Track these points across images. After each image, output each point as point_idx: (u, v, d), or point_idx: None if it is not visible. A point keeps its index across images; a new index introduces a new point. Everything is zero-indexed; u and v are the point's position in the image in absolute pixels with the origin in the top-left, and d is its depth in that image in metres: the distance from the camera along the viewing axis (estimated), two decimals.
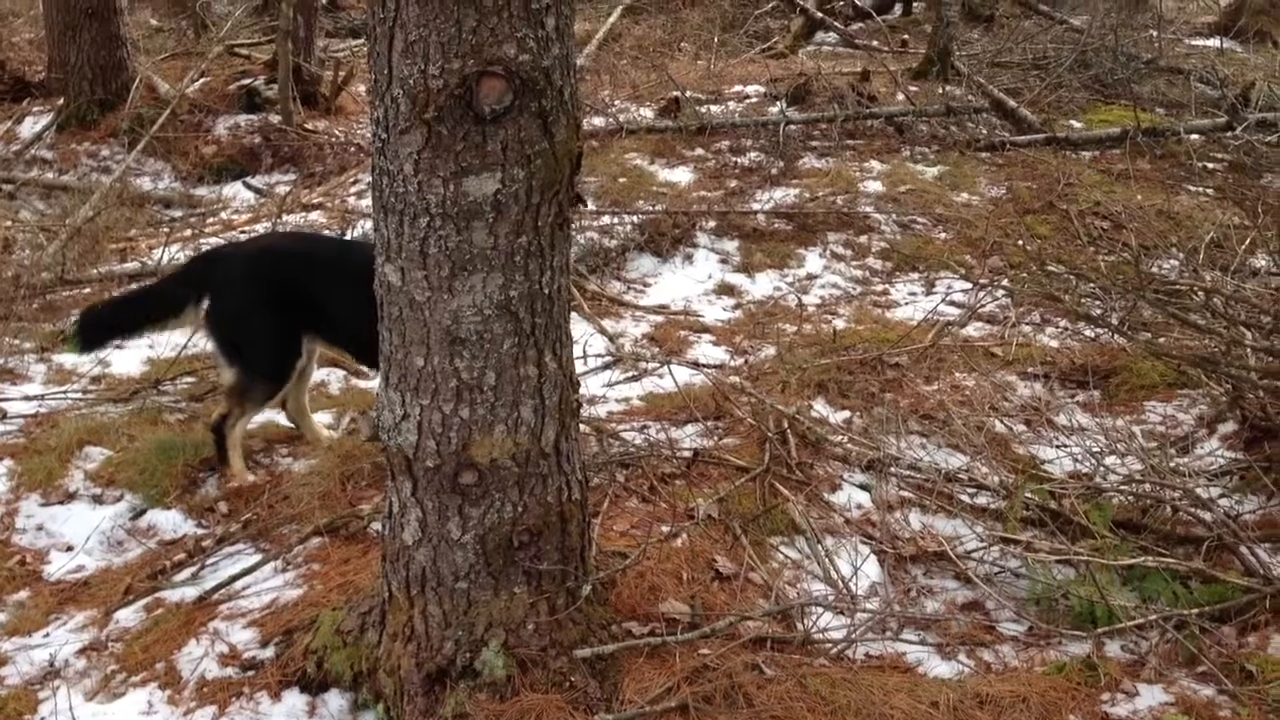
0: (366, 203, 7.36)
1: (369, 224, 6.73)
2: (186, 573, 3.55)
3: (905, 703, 2.86)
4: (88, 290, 5.86)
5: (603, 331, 5.45)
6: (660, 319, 5.77)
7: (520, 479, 2.81)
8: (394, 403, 2.79)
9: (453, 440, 2.74)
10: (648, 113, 8.91)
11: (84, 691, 3.05)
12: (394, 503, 2.89)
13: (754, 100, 9.26)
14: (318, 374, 5.10)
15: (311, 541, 3.62)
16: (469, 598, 2.86)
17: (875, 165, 7.82)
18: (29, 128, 8.61)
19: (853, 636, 3.17)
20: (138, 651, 3.18)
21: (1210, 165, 7.84)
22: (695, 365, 5.05)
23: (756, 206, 7.00)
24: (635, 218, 6.72)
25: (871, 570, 3.54)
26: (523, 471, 2.80)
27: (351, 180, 7.81)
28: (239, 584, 3.44)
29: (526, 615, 2.89)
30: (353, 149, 8.37)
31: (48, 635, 3.29)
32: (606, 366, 5.10)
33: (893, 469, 4.04)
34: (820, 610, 3.30)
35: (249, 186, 7.92)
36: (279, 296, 4.07)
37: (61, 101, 8.74)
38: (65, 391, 4.73)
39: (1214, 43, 11.79)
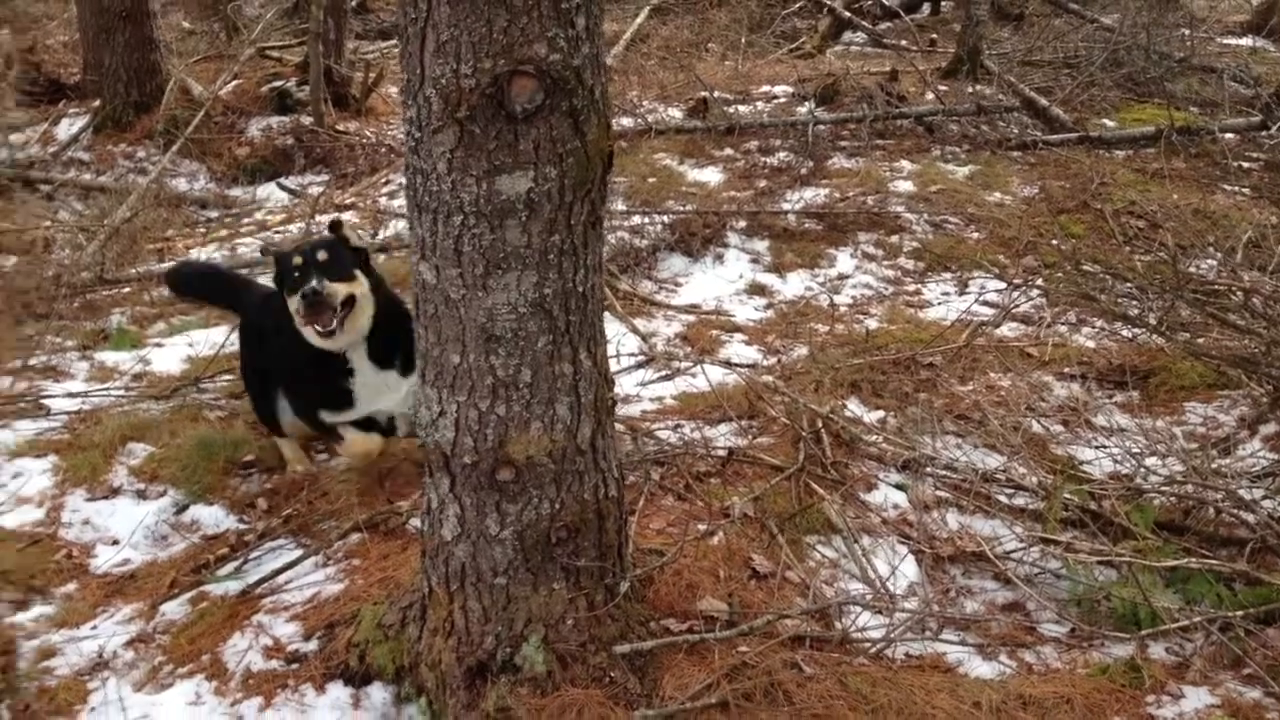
0: (398, 203, 7.41)
1: (402, 224, 6.80)
2: (229, 567, 3.58)
3: (947, 703, 2.85)
4: (127, 290, 5.92)
5: (635, 331, 5.46)
6: (692, 318, 5.77)
7: (557, 476, 2.81)
8: (431, 399, 2.80)
9: (489, 437, 2.75)
10: (676, 113, 8.92)
11: (132, 682, 3.08)
12: (433, 499, 2.90)
13: (782, 100, 9.26)
14: None
15: (351, 537, 3.64)
16: (508, 593, 2.86)
17: (905, 165, 7.80)
18: (65, 129, 8.71)
19: (892, 636, 3.17)
20: (184, 644, 3.21)
21: (1245, 164, 7.78)
22: (728, 364, 5.05)
23: (786, 206, 6.99)
24: (665, 217, 6.72)
25: (909, 570, 3.53)
26: (559, 468, 2.81)
27: (383, 180, 7.87)
28: (281, 579, 3.47)
29: (565, 611, 2.90)
30: (384, 150, 8.43)
31: (96, 627, 3.33)
32: (639, 366, 5.11)
33: (929, 469, 4.03)
34: (858, 609, 3.30)
35: (282, 187, 7.98)
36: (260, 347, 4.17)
37: (97, 103, 8.84)
38: (107, 389, 4.78)
39: (1246, 41, 11.71)
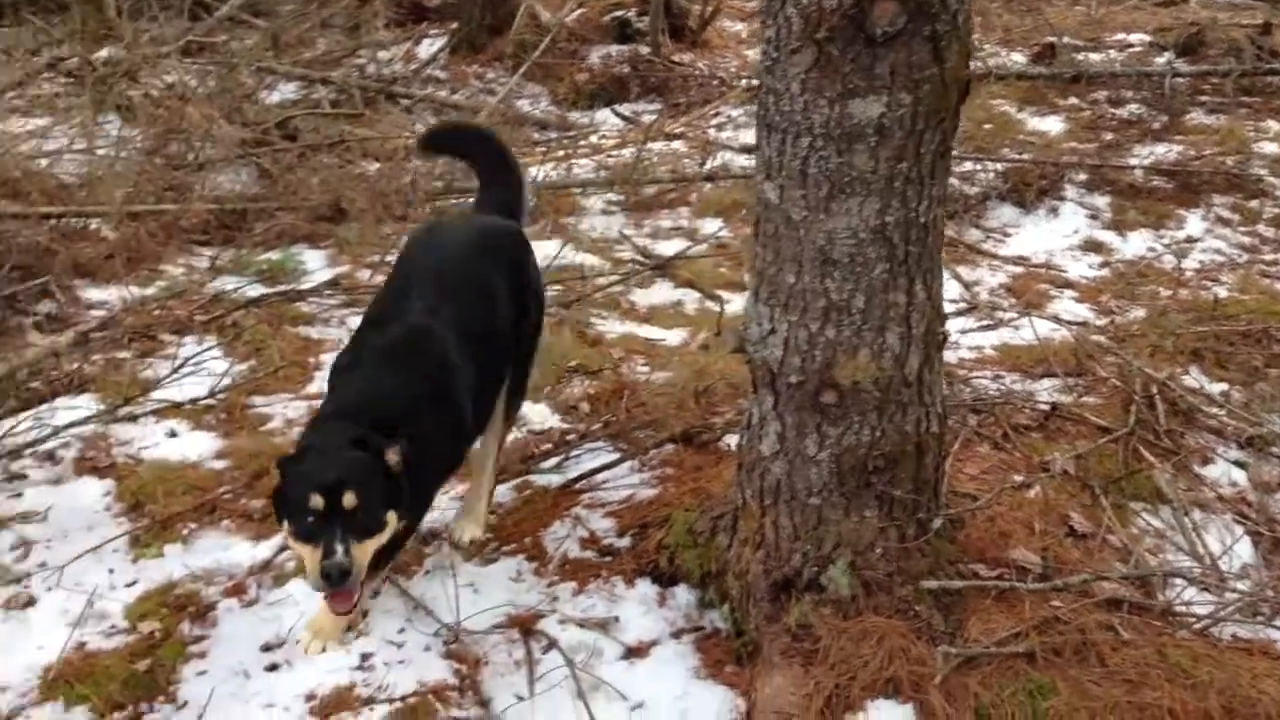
0: (726, 134, 7.53)
1: (728, 156, 6.91)
2: (553, 461, 3.81)
3: (1275, 689, 2.66)
4: (472, 199, 6.33)
5: (958, 278, 5.33)
6: (1019, 270, 5.56)
7: (880, 404, 2.80)
8: (762, 316, 2.84)
9: (817, 358, 2.77)
10: (1018, 58, 8.54)
11: (462, 554, 3.36)
12: (754, 414, 2.96)
13: (1137, 50, 8.68)
14: (674, 294, 5.33)
15: (666, 447, 3.79)
16: (820, 514, 2.90)
17: (1274, 125, 7.20)
18: (425, 49, 9.35)
19: (1220, 615, 2.97)
20: (509, 525, 3.47)
21: None
22: (1056, 319, 4.85)
23: (1134, 161, 6.60)
24: (999, 165, 6.50)
25: (1244, 551, 3.31)
26: (884, 397, 2.80)
27: (713, 112, 7.99)
28: (599, 477, 3.67)
29: (875, 539, 2.91)
30: (716, 82, 8.54)
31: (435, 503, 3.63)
32: (960, 313, 4.98)
33: (1275, 448, 3.74)
34: (1184, 583, 3.12)
35: (617, 114, 8.24)
36: None
37: (454, 26, 9.45)
38: None
39: None
